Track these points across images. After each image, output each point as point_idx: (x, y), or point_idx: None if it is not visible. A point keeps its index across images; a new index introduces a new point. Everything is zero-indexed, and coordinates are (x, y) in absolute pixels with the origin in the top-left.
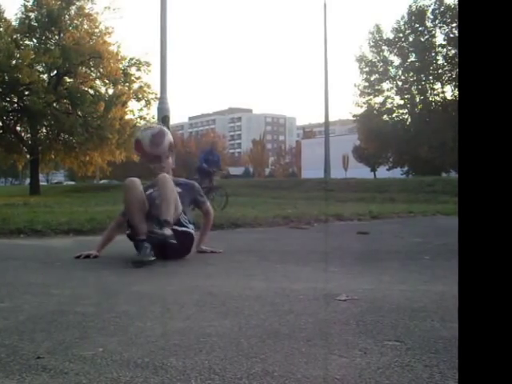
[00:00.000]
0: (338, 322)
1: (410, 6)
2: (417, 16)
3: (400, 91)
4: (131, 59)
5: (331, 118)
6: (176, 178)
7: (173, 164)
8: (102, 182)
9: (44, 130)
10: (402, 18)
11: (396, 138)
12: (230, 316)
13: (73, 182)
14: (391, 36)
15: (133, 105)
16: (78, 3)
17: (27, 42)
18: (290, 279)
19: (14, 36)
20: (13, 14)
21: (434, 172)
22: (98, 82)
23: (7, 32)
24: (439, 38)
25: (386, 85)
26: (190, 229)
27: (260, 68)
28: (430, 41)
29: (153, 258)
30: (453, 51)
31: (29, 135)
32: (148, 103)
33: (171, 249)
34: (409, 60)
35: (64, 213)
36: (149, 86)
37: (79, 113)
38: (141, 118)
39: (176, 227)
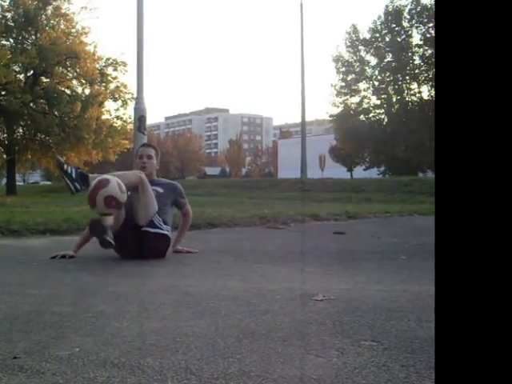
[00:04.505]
0: (314, 322)
1: (387, 6)
2: (393, 16)
3: (377, 91)
4: (108, 59)
5: (308, 118)
6: (158, 178)
7: (157, 165)
8: None
9: (20, 130)
10: (378, 18)
11: (373, 138)
12: (207, 316)
13: (49, 182)
14: (368, 36)
15: (109, 105)
16: (54, 3)
17: (4, 42)
18: (267, 279)
19: None
20: None
21: (410, 172)
22: (74, 81)
23: None
24: (416, 38)
25: (362, 85)
26: (164, 230)
27: (237, 68)
28: (407, 41)
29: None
30: (429, 51)
31: (5, 135)
32: (125, 103)
33: (145, 249)
34: (385, 60)
35: (41, 213)
36: (125, 86)
37: (56, 113)
38: (117, 118)
39: (148, 228)
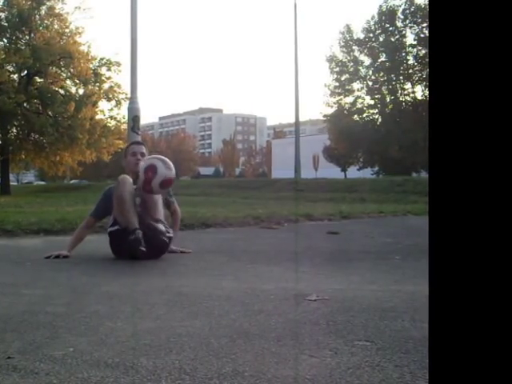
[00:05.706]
0: (308, 322)
1: (381, 6)
2: (387, 16)
3: (370, 91)
4: (102, 59)
5: (302, 118)
6: None
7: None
8: (73, 181)
9: (14, 130)
10: (372, 18)
11: (366, 138)
12: (201, 316)
13: (43, 182)
14: (361, 36)
15: (103, 105)
16: (48, 3)
17: None
18: (261, 279)
19: None
20: None
21: (404, 172)
22: (68, 81)
23: None
24: (409, 38)
25: (356, 85)
26: (171, 233)
27: (230, 68)
28: (401, 41)
29: (144, 249)
30: (423, 51)
31: None
32: (118, 103)
33: (149, 250)
34: (379, 60)
35: (34, 213)
36: (119, 86)
37: (50, 113)
38: (111, 118)
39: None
